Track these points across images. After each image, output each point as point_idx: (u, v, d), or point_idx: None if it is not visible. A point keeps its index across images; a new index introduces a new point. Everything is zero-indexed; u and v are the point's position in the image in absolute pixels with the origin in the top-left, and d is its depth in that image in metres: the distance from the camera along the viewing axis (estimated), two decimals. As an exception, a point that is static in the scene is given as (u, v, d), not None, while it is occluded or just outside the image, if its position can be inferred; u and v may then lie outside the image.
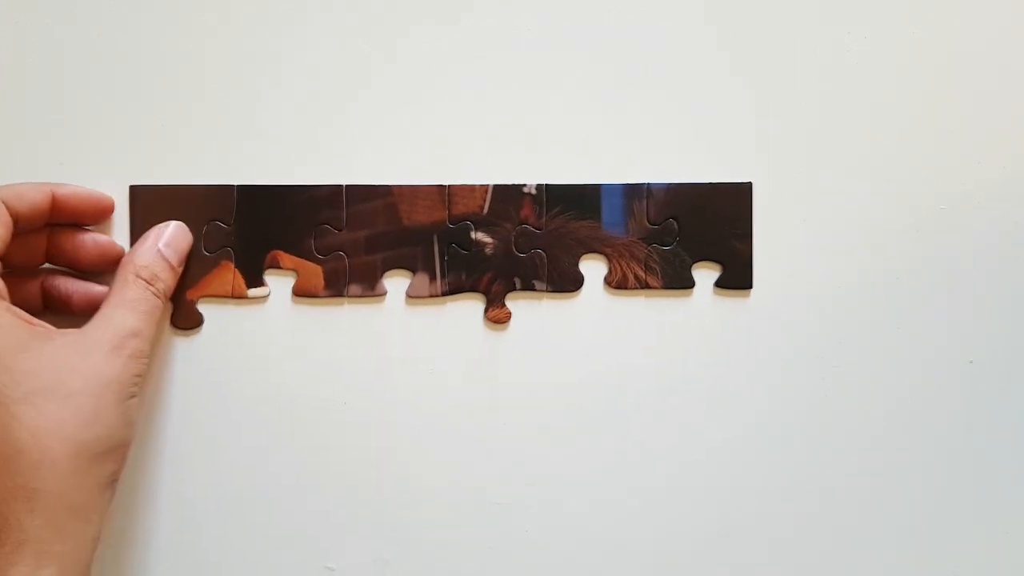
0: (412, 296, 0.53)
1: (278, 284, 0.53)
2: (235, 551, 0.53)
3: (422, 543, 0.53)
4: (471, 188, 0.53)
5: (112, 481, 0.44)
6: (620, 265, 0.53)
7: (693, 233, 0.54)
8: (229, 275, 0.53)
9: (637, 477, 0.54)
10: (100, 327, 0.45)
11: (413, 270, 0.53)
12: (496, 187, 0.53)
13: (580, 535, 0.54)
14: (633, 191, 0.53)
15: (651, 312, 0.53)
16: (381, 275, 0.53)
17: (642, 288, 0.53)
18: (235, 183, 0.53)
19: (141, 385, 0.45)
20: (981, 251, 0.54)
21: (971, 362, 0.54)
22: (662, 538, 0.54)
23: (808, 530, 0.54)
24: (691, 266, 0.54)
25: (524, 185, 0.53)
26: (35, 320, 0.45)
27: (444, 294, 0.53)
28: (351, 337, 0.53)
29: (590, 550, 0.54)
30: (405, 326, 0.54)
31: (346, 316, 0.53)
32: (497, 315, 0.53)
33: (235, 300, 0.53)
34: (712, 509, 0.54)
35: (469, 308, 0.54)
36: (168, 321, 0.52)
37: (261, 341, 0.53)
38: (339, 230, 0.53)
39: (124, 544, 0.53)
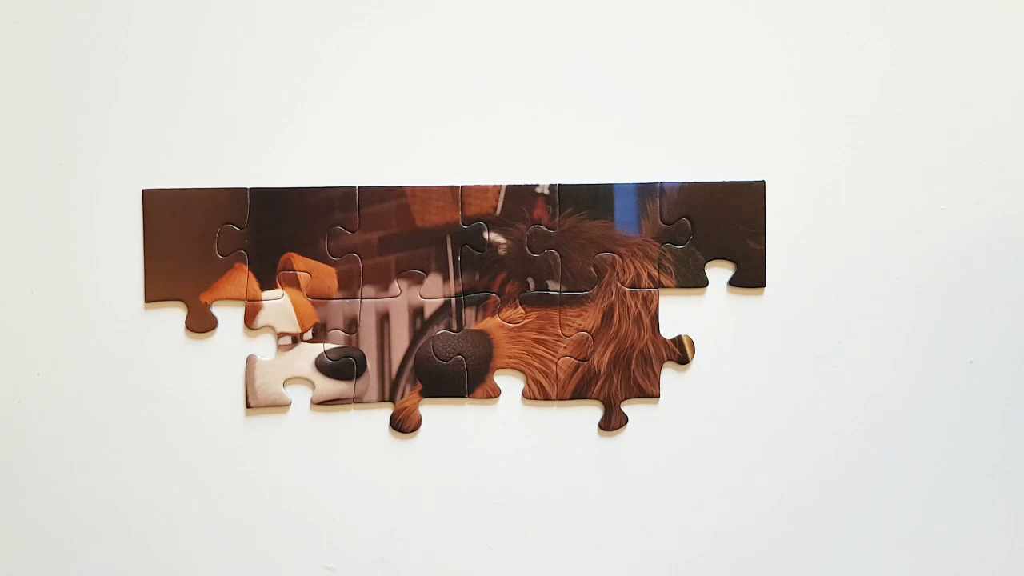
0: (425, 297, 0.53)
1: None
2: (237, 550, 0.53)
3: (422, 543, 0.53)
4: (484, 189, 0.53)
5: None
6: (634, 264, 0.53)
7: (706, 232, 0.53)
8: (243, 278, 0.53)
9: (646, 471, 0.54)
10: None
11: (426, 271, 0.53)
12: (509, 187, 0.53)
13: (583, 535, 0.54)
14: (646, 190, 0.53)
15: (665, 311, 0.53)
16: (395, 276, 0.53)
17: (656, 287, 0.53)
18: (248, 186, 0.53)
19: None
20: (982, 251, 0.54)
21: (971, 363, 0.54)
22: (668, 535, 0.54)
23: (814, 524, 0.54)
24: (704, 265, 0.54)
25: (537, 185, 0.53)
26: None
27: (458, 295, 0.53)
28: (365, 339, 0.53)
29: (592, 550, 0.54)
30: (419, 327, 0.54)
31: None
32: (511, 315, 0.53)
33: (250, 302, 0.53)
34: (722, 503, 0.54)
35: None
36: (183, 324, 0.53)
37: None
38: (352, 232, 0.53)
39: (126, 541, 0.53)
